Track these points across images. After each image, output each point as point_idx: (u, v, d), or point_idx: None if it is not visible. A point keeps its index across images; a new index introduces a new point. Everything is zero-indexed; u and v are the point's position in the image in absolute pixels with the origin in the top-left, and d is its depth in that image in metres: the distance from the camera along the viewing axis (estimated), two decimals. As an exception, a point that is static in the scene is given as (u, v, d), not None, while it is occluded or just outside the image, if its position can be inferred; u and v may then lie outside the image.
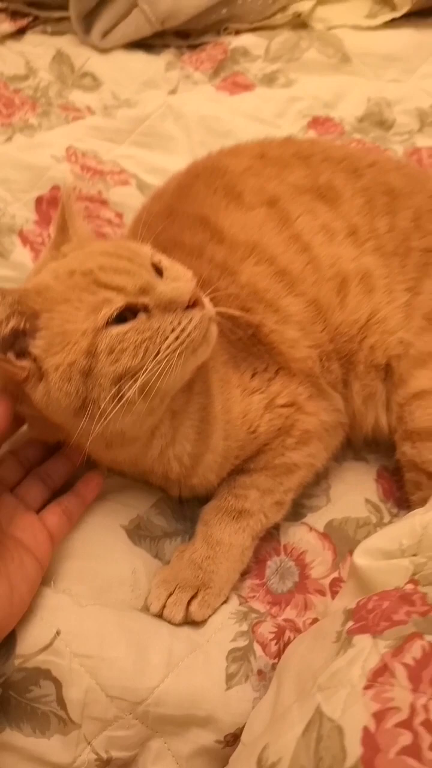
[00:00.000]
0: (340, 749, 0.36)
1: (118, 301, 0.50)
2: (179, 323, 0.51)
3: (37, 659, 0.53)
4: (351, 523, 0.69)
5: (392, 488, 0.73)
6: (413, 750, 0.34)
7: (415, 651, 0.39)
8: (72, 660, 0.53)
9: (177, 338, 0.51)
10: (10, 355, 0.51)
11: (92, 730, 0.52)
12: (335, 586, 0.65)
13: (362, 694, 0.38)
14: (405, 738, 0.35)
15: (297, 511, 0.69)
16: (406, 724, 0.35)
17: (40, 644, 0.54)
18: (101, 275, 0.51)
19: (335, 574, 0.66)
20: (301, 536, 0.68)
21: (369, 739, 0.35)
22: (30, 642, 0.54)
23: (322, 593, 0.64)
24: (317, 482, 0.71)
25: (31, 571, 0.54)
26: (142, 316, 0.51)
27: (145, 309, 0.51)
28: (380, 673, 0.38)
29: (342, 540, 0.68)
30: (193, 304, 0.52)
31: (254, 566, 0.65)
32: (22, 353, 0.52)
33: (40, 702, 0.53)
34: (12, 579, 0.52)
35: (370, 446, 0.75)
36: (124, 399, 0.50)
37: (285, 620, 0.62)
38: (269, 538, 0.67)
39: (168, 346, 0.50)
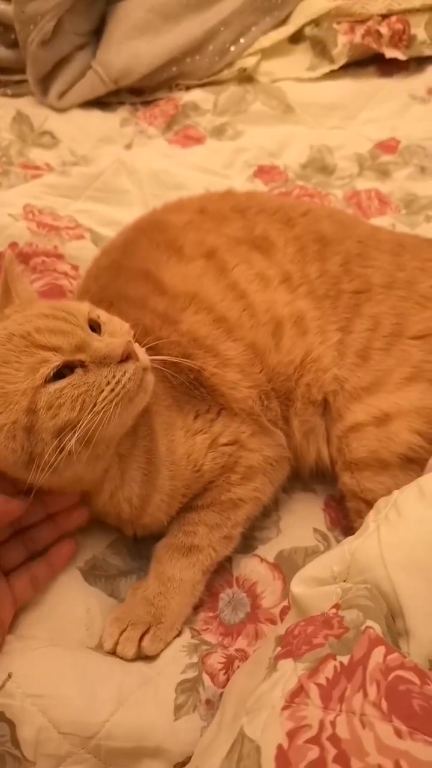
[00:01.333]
0: (257, 767, 0.39)
1: (55, 360, 0.54)
2: (114, 376, 0.55)
3: (-11, 702, 0.56)
4: (300, 553, 0.72)
5: (339, 517, 0.76)
6: (319, 763, 0.37)
7: (328, 671, 0.42)
8: (24, 700, 0.55)
9: (112, 390, 0.55)
10: None
11: (47, 767, 0.55)
12: (285, 614, 0.68)
13: (280, 714, 0.41)
14: (313, 753, 0.38)
15: (248, 544, 0.73)
16: (315, 740, 0.39)
17: (-7, 688, 0.56)
18: (38, 337, 0.55)
19: (285, 603, 0.68)
20: (253, 568, 0.71)
21: (282, 756, 0.38)
22: (-19, 687, 0.56)
23: (272, 622, 0.67)
24: (267, 514, 0.75)
25: None
26: (78, 371, 0.55)
27: (82, 365, 0.55)
28: (297, 694, 0.42)
29: (291, 569, 0.71)
30: (126, 357, 0.56)
31: (207, 599, 0.68)
32: None
33: (-5, 743, 0.55)
34: None
35: (317, 477, 0.78)
36: (65, 450, 0.53)
37: (236, 650, 0.64)
38: (222, 571, 0.70)
39: (104, 398, 0.54)
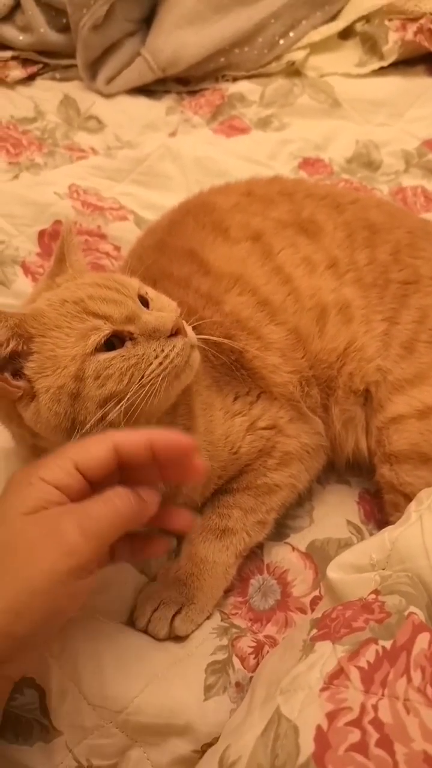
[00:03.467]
0: (295, 746, 0.38)
1: (105, 329, 0.54)
2: (162, 350, 0.55)
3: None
4: (332, 544, 0.71)
5: (373, 510, 0.75)
6: (361, 747, 0.36)
7: (369, 655, 0.41)
8: (55, 669, 0.55)
9: (160, 364, 0.54)
10: (7, 375, 0.55)
11: (74, 738, 0.54)
12: (315, 604, 0.67)
13: (318, 695, 0.40)
14: (354, 735, 0.37)
15: (280, 532, 0.72)
16: (356, 723, 0.38)
17: (25, 654, 0.56)
18: (90, 304, 0.55)
19: (316, 593, 0.67)
20: (284, 556, 0.70)
21: (321, 737, 0.37)
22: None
23: (302, 611, 0.66)
24: (300, 504, 0.74)
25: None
26: (128, 344, 0.55)
27: (131, 337, 0.55)
28: (336, 676, 0.41)
29: (323, 560, 0.70)
30: (175, 332, 0.56)
31: (238, 584, 0.67)
32: (17, 374, 0.55)
33: (23, 710, 0.55)
34: None
35: (353, 469, 0.77)
36: (107, 420, 0.53)
37: (265, 636, 0.63)
38: (253, 557, 0.69)
39: (152, 371, 0.54)
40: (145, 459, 0.48)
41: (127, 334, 0.55)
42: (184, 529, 0.60)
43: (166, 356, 0.55)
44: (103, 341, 0.54)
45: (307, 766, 0.36)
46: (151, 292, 0.60)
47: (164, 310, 0.59)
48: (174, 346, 0.55)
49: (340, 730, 0.37)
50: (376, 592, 0.48)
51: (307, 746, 0.37)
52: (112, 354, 0.54)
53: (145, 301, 0.59)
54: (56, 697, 0.55)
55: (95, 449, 0.47)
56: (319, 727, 0.38)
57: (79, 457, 0.47)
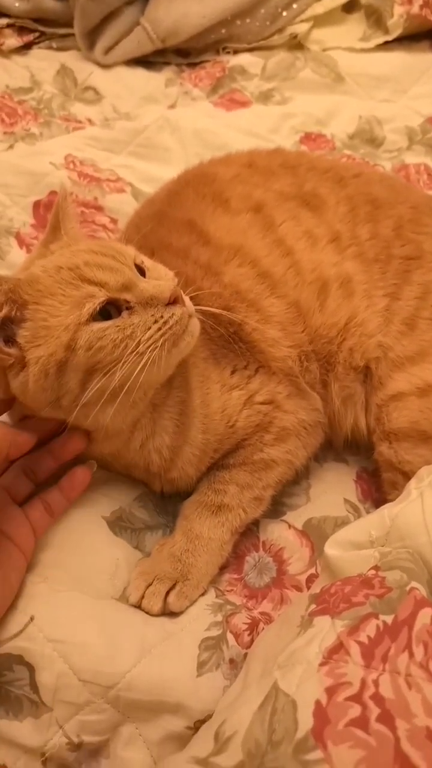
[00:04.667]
0: (293, 721, 0.37)
1: (101, 296, 0.52)
2: (161, 316, 0.53)
3: (9, 645, 0.54)
4: (329, 522, 0.70)
5: (371, 489, 0.74)
6: (361, 722, 0.35)
7: (369, 630, 0.40)
8: (45, 645, 0.54)
9: (159, 329, 0.53)
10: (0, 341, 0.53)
11: (64, 714, 0.53)
12: (311, 582, 0.66)
13: (317, 670, 0.39)
14: (354, 710, 0.36)
15: (277, 509, 0.70)
16: (356, 698, 0.37)
17: (13, 630, 0.55)
18: (86, 270, 0.53)
19: (312, 571, 0.67)
20: (280, 533, 0.69)
21: (320, 712, 0.36)
22: (4, 628, 0.55)
23: (298, 588, 0.65)
24: (297, 481, 0.73)
25: (18, 562, 0.55)
26: (124, 314, 0.53)
27: (128, 306, 0.53)
28: (335, 651, 0.40)
29: (320, 538, 0.69)
30: (173, 301, 0.54)
31: (233, 561, 0.66)
32: (9, 340, 0.53)
33: (12, 685, 0.54)
34: (2, 569, 0.53)
35: (351, 448, 0.76)
36: (94, 393, 0.51)
37: (260, 613, 0.62)
38: (249, 534, 0.68)
39: (150, 337, 0.52)
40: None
41: (124, 303, 0.53)
42: (76, 487, 0.61)
43: (165, 322, 0.53)
44: (98, 309, 0.52)
45: (305, 741, 0.35)
46: (147, 261, 0.59)
47: (161, 279, 0.57)
48: (173, 314, 0.54)
49: (339, 704, 0.36)
50: (375, 567, 0.47)
51: (306, 721, 0.36)
52: (107, 324, 0.52)
53: (141, 271, 0.57)
54: (46, 672, 0.53)
55: None
56: (318, 702, 0.37)
57: None
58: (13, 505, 0.59)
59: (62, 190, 0.63)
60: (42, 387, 0.52)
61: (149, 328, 0.52)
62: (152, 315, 0.53)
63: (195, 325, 0.56)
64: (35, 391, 0.52)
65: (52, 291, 0.53)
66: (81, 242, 0.60)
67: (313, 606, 0.46)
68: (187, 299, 0.56)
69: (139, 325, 0.52)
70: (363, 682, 0.37)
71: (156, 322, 0.52)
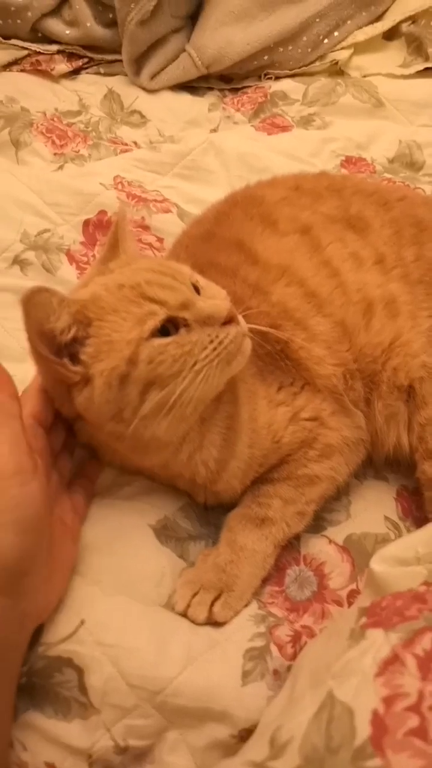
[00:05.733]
0: (350, 729, 0.38)
1: (162, 314, 0.54)
2: (216, 336, 0.55)
3: (59, 648, 0.56)
4: (370, 539, 0.71)
5: (411, 507, 0.74)
6: (420, 732, 0.36)
7: (425, 643, 0.41)
8: (95, 648, 0.55)
9: (214, 349, 0.55)
10: (66, 361, 0.55)
11: (111, 718, 0.54)
12: (352, 598, 0.66)
13: (373, 680, 0.40)
14: (413, 721, 0.37)
15: (317, 524, 0.71)
16: (414, 709, 0.37)
17: (64, 633, 0.56)
18: (147, 289, 0.56)
19: (353, 586, 0.67)
20: (321, 548, 0.70)
21: (378, 721, 0.37)
22: (55, 630, 0.57)
23: (339, 603, 0.66)
24: (338, 497, 0.74)
25: (70, 553, 0.57)
26: (182, 331, 0.55)
27: (185, 324, 0.56)
28: (391, 663, 0.40)
29: (360, 554, 0.69)
30: (229, 320, 0.56)
31: (274, 574, 0.67)
32: (74, 358, 0.56)
33: (62, 687, 0.56)
34: (55, 564, 0.55)
35: (391, 466, 0.77)
36: (151, 405, 0.53)
37: (302, 626, 0.63)
38: (290, 548, 0.69)
39: (206, 357, 0.55)
40: None
41: (182, 321, 0.55)
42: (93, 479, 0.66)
43: (220, 342, 0.55)
44: (159, 326, 0.54)
45: (364, 748, 0.36)
46: (201, 280, 0.61)
47: (215, 297, 0.59)
48: (228, 333, 0.56)
49: (397, 714, 0.37)
50: (426, 583, 0.48)
51: (364, 729, 0.37)
52: (167, 340, 0.54)
53: (196, 289, 0.59)
54: (95, 676, 0.55)
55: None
56: (375, 711, 0.38)
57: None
58: (65, 489, 0.61)
59: (121, 211, 0.66)
60: (106, 399, 0.54)
61: (205, 347, 0.54)
62: (209, 334, 0.55)
63: (247, 345, 0.58)
64: (100, 404, 0.54)
65: (115, 308, 0.55)
66: (140, 261, 0.63)
67: (364, 619, 0.47)
68: (241, 319, 0.58)
69: (197, 343, 0.54)
70: (420, 694, 0.38)
71: (212, 341, 0.54)
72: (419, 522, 0.73)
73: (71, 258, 0.92)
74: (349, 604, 0.66)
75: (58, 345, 0.55)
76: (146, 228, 0.95)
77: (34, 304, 0.52)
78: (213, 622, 0.60)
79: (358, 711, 0.38)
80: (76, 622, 0.57)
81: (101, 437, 0.59)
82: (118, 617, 0.58)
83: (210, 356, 0.54)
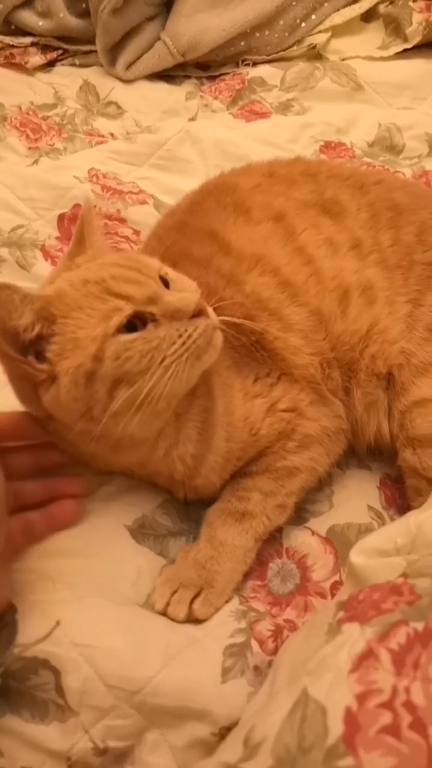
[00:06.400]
0: (323, 728, 0.37)
1: (127, 309, 0.53)
2: (185, 330, 0.54)
3: (35, 649, 0.55)
4: (353, 529, 0.70)
5: (394, 496, 0.74)
6: (393, 729, 0.35)
7: (399, 637, 0.40)
8: (71, 649, 0.54)
9: (183, 344, 0.53)
10: (31, 359, 0.54)
11: (90, 719, 0.53)
12: (336, 589, 0.65)
13: (347, 677, 0.39)
14: (385, 717, 0.36)
15: (300, 516, 0.70)
16: (387, 705, 0.36)
17: (39, 634, 0.55)
18: (113, 284, 0.54)
19: (336, 578, 0.66)
20: (303, 540, 0.69)
21: (351, 718, 0.36)
22: (30, 632, 0.56)
23: (322, 596, 0.65)
24: (320, 488, 0.73)
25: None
26: (150, 326, 0.54)
27: (153, 319, 0.54)
28: (365, 657, 0.39)
29: (344, 545, 0.68)
30: (198, 313, 0.55)
31: (256, 568, 0.66)
32: (39, 356, 0.54)
33: (39, 689, 0.55)
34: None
35: (374, 454, 0.76)
36: (121, 402, 0.52)
37: (285, 620, 0.62)
38: (272, 540, 0.68)
39: (174, 351, 0.53)
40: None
41: (149, 316, 0.54)
42: (75, 494, 0.63)
43: (189, 336, 0.54)
44: (124, 322, 0.53)
45: (336, 747, 0.35)
46: (171, 273, 0.59)
47: (185, 290, 0.58)
48: (197, 327, 0.54)
49: (370, 711, 0.36)
50: (404, 575, 0.47)
51: (336, 727, 0.36)
52: (133, 335, 0.53)
53: (165, 282, 0.58)
54: (72, 677, 0.54)
55: None
56: (348, 709, 0.37)
57: None
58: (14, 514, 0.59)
59: (87, 203, 0.64)
60: (73, 397, 0.53)
61: (174, 342, 0.53)
62: (177, 329, 0.53)
63: (218, 338, 0.56)
64: (67, 402, 0.53)
65: (79, 304, 0.54)
66: (106, 255, 0.61)
67: (341, 613, 0.46)
68: (211, 311, 0.57)
69: (165, 338, 0.53)
70: (394, 690, 0.37)
71: (180, 336, 0.53)
72: (403, 510, 0.72)
73: (46, 254, 0.90)
74: (333, 595, 0.65)
75: (22, 343, 0.53)
76: (122, 220, 0.94)
77: None
78: (193, 620, 0.59)
79: (331, 709, 0.37)
80: (50, 623, 0.56)
81: (73, 437, 0.58)
82: (94, 618, 0.57)
83: (179, 351, 0.53)
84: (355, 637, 0.42)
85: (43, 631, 0.55)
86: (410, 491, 0.69)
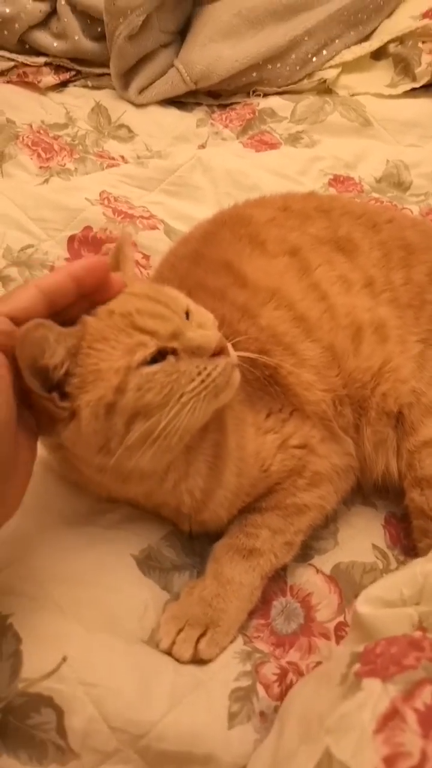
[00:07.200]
0: (349, 791, 0.36)
1: (152, 347, 0.52)
2: (205, 368, 0.53)
3: (40, 685, 0.53)
4: (358, 568, 0.69)
5: (399, 535, 0.73)
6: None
7: (425, 696, 0.39)
8: (77, 687, 0.53)
9: (202, 381, 0.53)
10: (55, 395, 0.52)
11: (91, 762, 0.52)
12: (340, 630, 0.65)
13: (372, 738, 0.38)
14: (416, 782, 0.35)
15: (305, 552, 0.69)
16: (417, 770, 0.35)
17: (45, 669, 0.54)
18: (138, 319, 0.53)
19: (340, 618, 0.65)
20: (308, 578, 0.68)
21: (378, 782, 0.35)
22: (36, 666, 0.54)
23: (326, 637, 0.64)
24: (325, 525, 0.72)
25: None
26: (170, 359, 0.53)
27: (174, 352, 0.54)
28: (390, 718, 0.39)
29: (348, 584, 0.68)
30: (218, 352, 0.55)
31: (260, 605, 0.65)
32: (61, 392, 0.53)
33: (38, 729, 0.53)
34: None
35: (379, 492, 0.75)
36: (138, 436, 0.51)
37: (288, 662, 0.61)
38: (276, 578, 0.67)
39: (193, 389, 0.52)
40: (70, 291, 0.52)
41: (170, 350, 0.54)
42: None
43: (208, 374, 0.53)
44: (149, 359, 0.52)
45: None
46: (191, 305, 0.59)
47: (205, 324, 0.57)
48: (216, 366, 0.54)
49: (400, 776, 0.35)
50: (422, 628, 0.46)
51: (365, 792, 0.35)
52: (155, 368, 0.52)
53: (186, 314, 0.58)
54: (76, 717, 0.52)
55: (20, 295, 0.50)
56: (376, 772, 0.36)
57: (6, 307, 0.49)
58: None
59: (125, 234, 0.65)
60: (94, 430, 0.52)
61: (193, 380, 0.52)
62: (197, 366, 0.53)
63: (236, 377, 0.56)
64: (87, 435, 0.52)
65: (104, 335, 0.53)
66: (134, 285, 0.60)
67: (358, 665, 0.45)
68: (231, 349, 0.57)
69: (185, 374, 0.52)
70: (423, 753, 0.36)
71: (200, 374, 0.53)
72: (407, 550, 0.72)
73: (55, 275, 0.89)
74: (337, 637, 0.64)
75: (50, 381, 0.52)
76: (133, 245, 0.94)
77: (30, 341, 0.48)
78: (198, 660, 0.58)
79: (358, 772, 0.36)
80: (57, 658, 0.54)
81: (86, 470, 0.57)
82: (102, 655, 0.55)
83: (198, 389, 0.52)
84: (378, 694, 0.41)
85: (49, 666, 0.54)
86: (416, 532, 0.69)
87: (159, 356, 0.53)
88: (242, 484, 0.64)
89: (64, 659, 0.54)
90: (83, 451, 0.54)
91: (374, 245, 0.76)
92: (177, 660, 0.57)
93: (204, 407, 0.53)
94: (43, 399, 0.51)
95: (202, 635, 0.58)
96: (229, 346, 0.56)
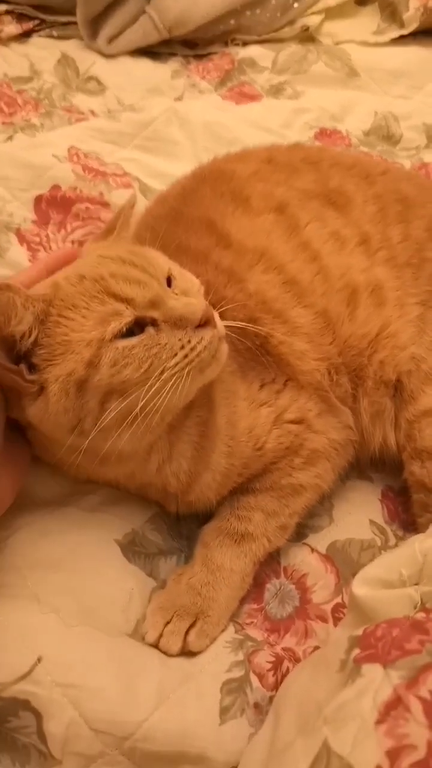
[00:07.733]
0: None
1: (128, 316, 0.47)
2: (189, 341, 0.48)
3: (14, 689, 0.49)
4: (355, 545, 0.66)
5: (397, 509, 0.70)
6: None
7: (430, 683, 0.35)
8: (53, 690, 0.49)
9: (186, 356, 0.48)
10: (23, 367, 0.48)
11: (75, 767, 0.48)
12: (337, 612, 0.61)
13: (374, 729, 0.34)
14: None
15: (299, 531, 0.66)
16: (423, 764, 0.32)
17: (18, 672, 0.50)
18: (112, 283, 0.48)
19: (338, 599, 0.62)
20: (303, 558, 0.64)
21: (384, 784, 0.32)
22: (8, 668, 0.50)
23: (323, 620, 0.61)
24: (320, 501, 0.68)
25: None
26: (150, 330, 0.48)
27: (153, 323, 0.48)
28: (393, 707, 0.35)
29: (345, 563, 0.64)
30: (204, 322, 0.49)
31: (252, 589, 0.62)
32: (29, 363, 0.48)
33: (20, 732, 0.49)
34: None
35: (375, 465, 0.71)
36: (115, 416, 0.46)
37: (284, 649, 0.58)
38: (269, 559, 0.63)
39: (175, 364, 0.48)
40: None
41: (150, 320, 0.48)
42: None
43: (193, 348, 0.48)
44: (124, 330, 0.47)
45: None
46: (174, 269, 0.53)
47: (189, 290, 0.52)
48: (202, 339, 0.48)
49: (404, 771, 0.31)
50: (425, 609, 0.42)
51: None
52: (132, 341, 0.47)
53: (168, 279, 0.52)
54: (54, 721, 0.48)
55: (31, 271, 0.57)
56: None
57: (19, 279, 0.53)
58: None
59: (131, 199, 0.61)
60: (64, 408, 0.47)
61: (176, 354, 0.47)
62: (180, 338, 0.48)
63: (224, 350, 0.51)
64: (56, 414, 0.47)
65: (74, 302, 0.47)
66: (113, 245, 0.54)
67: (357, 650, 0.41)
68: (218, 319, 0.51)
69: (166, 347, 0.47)
70: (429, 746, 0.32)
71: (183, 347, 0.47)
72: (406, 525, 0.68)
73: (21, 238, 0.82)
74: (334, 619, 0.61)
75: (18, 351, 0.47)
76: (105, 204, 0.86)
77: None
78: (187, 652, 0.54)
79: (358, 767, 0.33)
80: (32, 658, 0.50)
81: (57, 451, 0.51)
82: (80, 652, 0.51)
83: (180, 364, 0.47)
84: (379, 681, 0.37)
85: (22, 668, 0.49)
86: (416, 506, 0.65)
87: (136, 327, 0.47)
88: (233, 465, 0.59)
89: (39, 660, 0.49)
90: (52, 431, 0.49)
91: (369, 198, 0.70)
92: (165, 653, 0.54)
93: (188, 384, 0.48)
94: (9, 371, 0.46)
95: (192, 626, 0.55)
96: (216, 315, 0.51)
